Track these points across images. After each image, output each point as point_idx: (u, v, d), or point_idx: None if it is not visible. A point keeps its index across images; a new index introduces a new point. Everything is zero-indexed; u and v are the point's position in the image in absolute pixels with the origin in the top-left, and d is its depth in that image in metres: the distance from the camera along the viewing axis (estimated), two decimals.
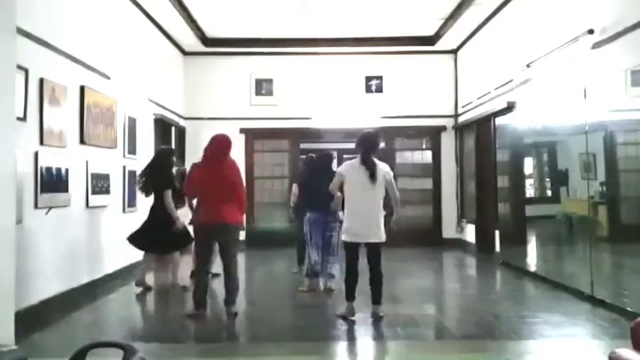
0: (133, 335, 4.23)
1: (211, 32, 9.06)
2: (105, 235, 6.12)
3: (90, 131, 5.70)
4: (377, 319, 4.40)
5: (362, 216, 4.47)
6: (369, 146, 4.57)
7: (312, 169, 6.30)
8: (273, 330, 4.33)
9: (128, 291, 5.93)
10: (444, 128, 9.82)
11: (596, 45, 5.01)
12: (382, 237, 4.50)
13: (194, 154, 9.60)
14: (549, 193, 6.85)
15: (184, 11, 7.83)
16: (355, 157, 4.60)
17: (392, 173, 4.64)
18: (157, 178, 5.83)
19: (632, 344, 2.32)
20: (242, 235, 9.70)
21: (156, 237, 5.69)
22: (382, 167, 4.57)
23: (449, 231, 9.73)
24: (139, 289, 5.72)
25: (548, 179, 6.90)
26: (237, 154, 9.69)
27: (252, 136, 9.75)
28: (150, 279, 5.99)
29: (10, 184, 3.07)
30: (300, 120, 9.62)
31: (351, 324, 4.37)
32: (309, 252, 5.78)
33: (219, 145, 4.81)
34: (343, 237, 4.62)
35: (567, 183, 5.97)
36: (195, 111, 9.69)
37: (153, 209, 5.86)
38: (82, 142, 5.58)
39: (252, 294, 5.98)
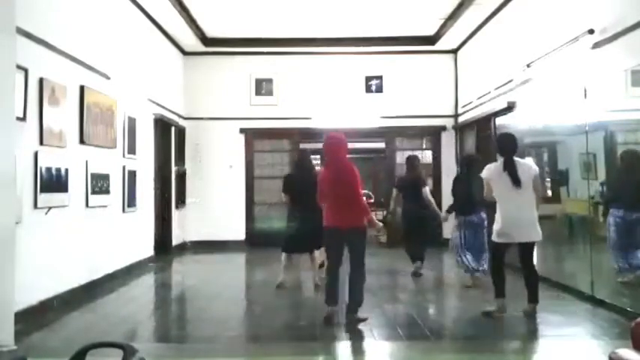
0: (132, 335, 4.23)
1: (211, 32, 9.06)
2: (105, 235, 6.12)
3: (90, 131, 5.70)
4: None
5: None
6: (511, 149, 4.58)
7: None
8: (274, 330, 4.33)
9: (128, 291, 5.94)
10: (444, 128, 9.82)
11: (597, 45, 5.01)
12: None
13: (194, 153, 9.68)
14: (549, 193, 6.84)
15: (184, 11, 7.82)
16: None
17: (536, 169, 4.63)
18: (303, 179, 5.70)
19: (632, 344, 2.32)
20: (242, 235, 9.80)
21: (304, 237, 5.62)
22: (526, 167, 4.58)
23: (449, 231, 9.70)
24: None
25: (548, 179, 6.89)
26: (237, 154, 9.79)
27: (252, 136, 9.76)
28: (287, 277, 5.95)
29: (10, 184, 3.07)
30: (300, 120, 9.62)
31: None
32: None
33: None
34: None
35: (567, 183, 5.97)
36: (195, 111, 9.69)
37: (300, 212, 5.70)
38: (81, 142, 5.57)
39: (252, 294, 5.98)
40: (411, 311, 4.85)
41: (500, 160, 4.58)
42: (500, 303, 4.54)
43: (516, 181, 4.42)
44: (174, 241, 8.90)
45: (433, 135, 9.93)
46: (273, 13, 8.05)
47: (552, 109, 6.00)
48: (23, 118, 4.47)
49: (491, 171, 4.62)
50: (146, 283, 6.64)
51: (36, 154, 4.66)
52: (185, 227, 9.43)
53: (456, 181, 6.11)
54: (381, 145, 10.38)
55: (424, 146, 10.19)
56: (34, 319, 4.38)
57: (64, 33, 5.25)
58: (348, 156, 4.56)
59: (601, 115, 5.03)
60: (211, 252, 8.86)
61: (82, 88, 5.58)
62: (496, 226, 4.56)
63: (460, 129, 9.57)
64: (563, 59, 5.65)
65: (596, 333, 4.13)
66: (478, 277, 5.81)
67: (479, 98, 8.40)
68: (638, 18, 4.40)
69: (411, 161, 6.76)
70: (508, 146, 4.60)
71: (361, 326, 4.29)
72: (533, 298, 4.52)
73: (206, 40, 9.25)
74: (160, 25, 8.21)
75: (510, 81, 7.06)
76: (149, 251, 7.76)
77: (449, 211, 6.16)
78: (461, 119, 9.52)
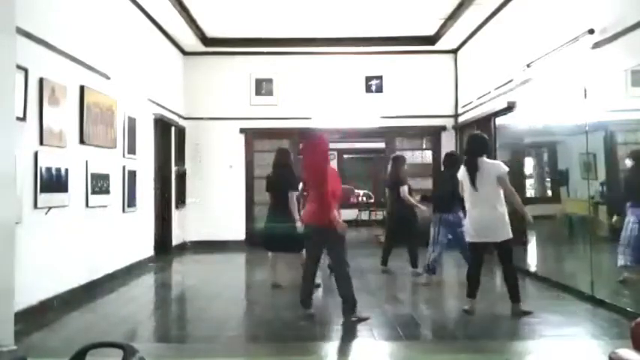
0: (132, 335, 4.23)
1: (211, 32, 9.06)
2: (105, 235, 6.12)
3: (90, 131, 5.70)
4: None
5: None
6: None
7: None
8: (274, 330, 4.33)
9: (128, 291, 5.94)
10: (444, 128, 9.82)
11: (597, 45, 5.01)
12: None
13: (194, 153, 9.68)
14: (549, 193, 6.85)
15: (184, 11, 7.82)
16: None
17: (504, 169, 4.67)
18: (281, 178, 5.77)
19: (632, 344, 2.32)
20: (242, 235, 9.79)
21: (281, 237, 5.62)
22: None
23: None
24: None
25: (548, 179, 6.90)
26: (238, 154, 9.79)
27: (252, 136, 9.76)
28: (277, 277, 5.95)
29: (10, 184, 3.07)
30: (300, 120, 9.62)
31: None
32: None
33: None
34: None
35: (567, 183, 5.97)
36: (195, 111, 9.70)
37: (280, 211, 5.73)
38: (81, 142, 5.57)
39: (252, 294, 5.98)
40: (407, 311, 4.85)
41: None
42: (470, 303, 4.61)
43: (473, 182, 4.58)
44: (174, 241, 8.90)
45: (433, 135, 9.93)
46: (273, 13, 8.05)
47: (552, 109, 6.00)
48: (23, 118, 4.47)
49: (461, 171, 4.81)
50: (146, 283, 6.64)
51: (36, 154, 4.66)
52: (185, 227, 9.43)
53: (436, 178, 6.18)
54: (381, 145, 10.38)
55: (424, 146, 10.19)
56: (34, 319, 4.38)
57: (64, 33, 5.25)
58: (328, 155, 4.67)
59: (601, 115, 5.03)
60: (211, 252, 8.86)
61: (82, 88, 5.58)
62: (465, 226, 4.74)
63: (460, 129, 9.57)
64: (563, 59, 5.65)
65: (596, 333, 4.13)
66: (430, 277, 5.99)
67: (479, 98, 8.40)
68: (638, 18, 4.40)
69: (393, 161, 6.83)
70: (472, 146, 4.74)
71: (361, 326, 4.30)
72: (514, 298, 4.57)
73: (206, 40, 9.25)
74: (160, 25, 8.21)
75: (510, 81, 7.06)
76: (149, 251, 7.76)
77: (421, 201, 6.36)
78: (461, 119, 9.52)
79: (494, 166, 4.66)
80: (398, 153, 7.26)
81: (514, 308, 4.56)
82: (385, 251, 6.85)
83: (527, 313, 4.52)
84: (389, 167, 6.87)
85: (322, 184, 4.41)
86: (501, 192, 4.57)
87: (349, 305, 4.41)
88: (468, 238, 4.78)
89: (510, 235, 4.57)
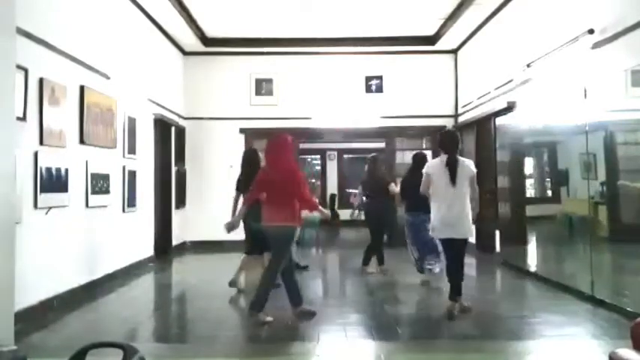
0: (132, 335, 4.23)
1: (211, 32, 9.06)
2: (105, 235, 6.12)
3: (90, 131, 5.70)
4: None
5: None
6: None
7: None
8: (273, 330, 4.33)
9: (128, 291, 5.94)
10: (444, 128, 9.79)
11: (596, 45, 5.01)
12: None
13: (194, 153, 9.68)
14: (550, 193, 6.85)
15: (184, 11, 7.82)
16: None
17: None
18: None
19: (632, 344, 2.32)
20: (242, 235, 9.73)
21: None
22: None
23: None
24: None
25: (548, 179, 6.89)
26: (237, 154, 9.75)
27: (252, 136, 9.74)
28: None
29: (9, 184, 3.07)
30: (300, 120, 9.62)
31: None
32: None
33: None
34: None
35: (568, 183, 5.97)
36: (195, 111, 9.70)
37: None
38: (81, 142, 5.57)
39: (251, 294, 5.97)
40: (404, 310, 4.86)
41: (444, 156, 4.69)
42: (451, 306, 4.59)
43: (453, 178, 4.58)
44: (174, 241, 8.90)
45: (433, 135, 9.91)
46: (274, 13, 8.05)
47: (552, 109, 6.00)
48: (23, 118, 4.47)
49: (433, 166, 4.78)
50: (146, 283, 6.64)
51: (36, 154, 4.66)
52: (185, 227, 9.42)
53: (408, 178, 6.19)
54: (381, 145, 10.38)
55: (424, 146, 10.18)
56: (34, 319, 4.38)
57: (64, 33, 5.25)
58: (293, 157, 4.77)
59: (601, 115, 5.03)
60: (211, 252, 8.85)
61: (82, 88, 5.58)
62: (437, 223, 4.69)
63: (460, 129, 9.55)
64: (563, 59, 5.65)
65: (596, 333, 4.13)
66: (427, 276, 6.07)
67: (479, 98, 8.40)
68: (638, 18, 4.40)
69: (373, 161, 6.94)
70: (452, 143, 4.72)
71: (360, 326, 4.29)
72: (454, 296, 4.60)
73: (206, 40, 9.25)
74: (160, 25, 8.21)
75: (510, 81, 7.06)
76: (149, 251, 7.76)
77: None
78: (461, 119, 9.52)
79: (470, 164, 4.71)
80: (375, 153, 7.38)
81: (451, 306, 4.58)
82: (371, 251, 6.85)
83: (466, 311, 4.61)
84: (368, 167, 6.99)
85: (293, 186, 4.45)
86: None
87: (256, 303, 4.45)
88: (441, 236, 4.70)
89: (473, 234, 4.77)
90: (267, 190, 4.55)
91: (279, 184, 4.46)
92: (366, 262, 6.81)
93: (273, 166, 4.58)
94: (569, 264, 6.10)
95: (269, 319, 4.40)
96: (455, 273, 4.66)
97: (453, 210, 4.57)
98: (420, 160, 6.01)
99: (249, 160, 5.93)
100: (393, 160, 9.92)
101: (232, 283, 5.79)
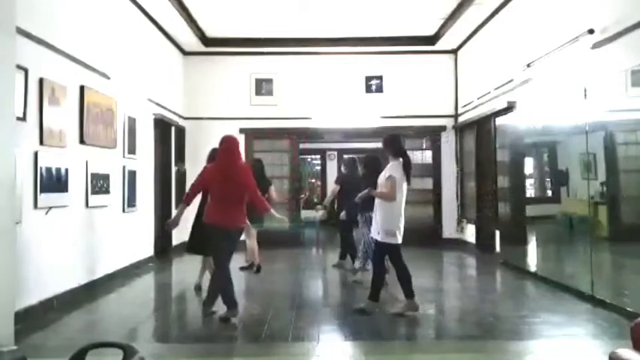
0: (132, 335, 4.23)
1: (211, 32, 9.06)
2: (105, 235, 6.12)
3: (90, 131, 5.70)
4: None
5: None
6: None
7: None
8: (273, 330, 4.33)
9: (128, 291, 5.94)
10: (444, 128, 9.82)
11: (597, 45, 5.01)
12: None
13: (194, 153, 9.67)
14: (549, 193, 6.85)
15: (184, 11, 7.83)
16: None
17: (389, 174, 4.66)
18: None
19: (632, 344, 2.32)
20: (242, 236, 9.73)
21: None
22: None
23: (449, 231, 9.73)
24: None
25: (548, 179, 6.89)
26: None
27: (252, 136, 9.75)
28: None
29: (9, 184, 3.07)
30: (300, 120, 9.63)
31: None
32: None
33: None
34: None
35: (567, 183, 5.97)
36: (195, 111, 9.70)
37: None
38: (81, 142, 5.57)
39: (251, 294, 5.97)
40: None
41: (398, 160, 4.66)
42: (372, 306, 4.65)
43: (409, 181, 4.64)
44: (175, 241, 8.89)
45: (433, 135, 9.92)
46: (274, 13, 8.05)
47: (552, 109, 6.00)
48: (23, 118, 4.47)
49: (397, 170, 4.64)
50: (146, 282, 6.64)
51: (36, 154, 4.66)
52: (185, 227, 9.39)
53: (360, 181, 6.24)
54: (381, 145, 10.35)
55: (424, 146, 10.19)
56: (34, 319, 4.39)
57: (64, 33, 5.25)
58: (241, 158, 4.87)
59: (601, 115, 5.03)
60: None
61: (82, 88, 5.58)
62: (389, 227, 4.57)
63: (460, 129, 9.57)
64: (563, 59, 5.65)
65: (596, 333, 4.13)
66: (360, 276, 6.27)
67: (479, 98, 8.40)
68: (638, 18, 4.40)
69: (354, 162, 7.16)
70: (402, 147, 4.73)
71: (361, 326, 4.30)
72: (411, 293, 4.64)
73: (206, 40, 9.25)
74: (160, 25, 8.21)
75: (510, 81, 7.06)
76: (149, 251, 7.76)
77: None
78: (461, 119, 9.52)
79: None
80: (352, 155, 7.68)
81: (408, 304, 4.62)
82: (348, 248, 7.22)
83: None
84: (344, 168, 7.30)
85: (245, 185, 4.50)
86: None
87: (208, 300, 4.65)
88: (394, 241, 4.60)
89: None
90: (218, 188, 4.52)
91: (234, 183, 4.48)
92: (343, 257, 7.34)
93: (231, 164, 4.59)
94: (569, 264, 6.10)
95: (222, 312, 4.50)
96: (403, 276, 4.67)
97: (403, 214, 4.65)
98: (379, 164, 5.81)
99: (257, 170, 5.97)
100: None
101: (197, 288, 5.78)
